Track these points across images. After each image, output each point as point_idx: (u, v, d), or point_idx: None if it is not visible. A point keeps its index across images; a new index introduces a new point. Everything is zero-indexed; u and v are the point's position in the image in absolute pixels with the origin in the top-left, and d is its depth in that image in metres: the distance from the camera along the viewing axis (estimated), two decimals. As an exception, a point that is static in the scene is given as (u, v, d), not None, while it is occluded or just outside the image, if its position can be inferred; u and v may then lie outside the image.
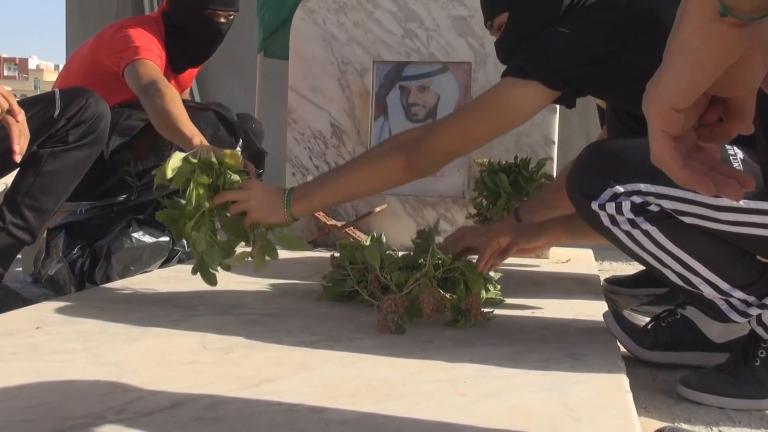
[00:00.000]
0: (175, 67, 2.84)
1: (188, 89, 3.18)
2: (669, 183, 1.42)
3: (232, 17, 2.80)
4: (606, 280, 2.67)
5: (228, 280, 2.11)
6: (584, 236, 1.85)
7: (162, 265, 2.54)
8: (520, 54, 1.71)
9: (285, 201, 1.79)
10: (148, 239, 2.51)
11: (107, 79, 2.61)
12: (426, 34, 2.90)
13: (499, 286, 1.90)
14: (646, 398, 1.56)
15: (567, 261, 2.76)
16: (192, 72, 3.03)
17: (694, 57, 0.67)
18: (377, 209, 2.91)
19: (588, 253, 3.00)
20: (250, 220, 1.79)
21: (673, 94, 0.69)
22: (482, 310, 1.69)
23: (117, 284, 2.14)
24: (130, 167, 2.64)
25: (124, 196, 2.65)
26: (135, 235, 2.49)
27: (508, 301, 1.92)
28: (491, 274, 1.89)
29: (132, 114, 2.66)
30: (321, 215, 2.93)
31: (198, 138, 2.15)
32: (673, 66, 0.69)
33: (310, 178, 2.75)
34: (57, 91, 2.23)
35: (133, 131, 2.61)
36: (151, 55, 2.54)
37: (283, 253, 2.78)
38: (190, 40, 2.78)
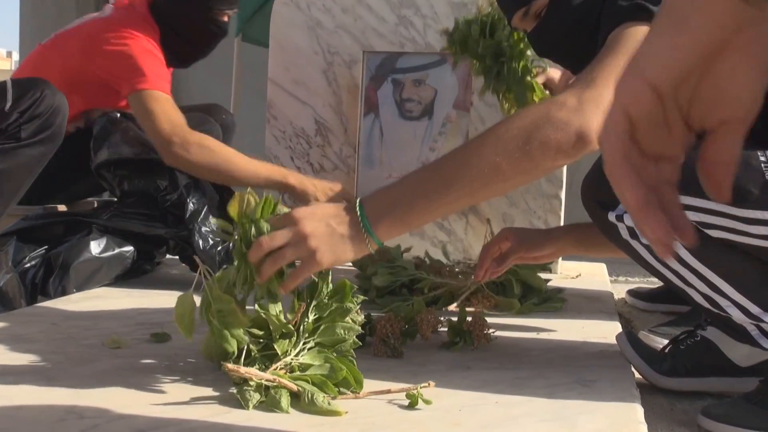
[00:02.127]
0: (170, 65, 2.83)
1: None
2: (694, 192, 1.43)
3: (234, 13, 2.82)
4: (628, 291, 2.70)
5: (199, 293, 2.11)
6: (597, 249, 1.85)
7: (124, 277, 2.54)
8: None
9: (360, 218, 1.34)
10: (110, 249, 2.50)
11: (100, 89, 2.58)
12: (422, 21, 2.91)
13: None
14: (663, 430, 1.57)
15: (577, 276, 2.77)
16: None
17: (681, 20, 0.64)
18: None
19: (601, 268, 3.02)
20: (313, 269, 1.34)
21: (654, 64, 0.65)
22: (485, 331, 1.70)
23: (74, 298, 2.14)
24: (114, 183, 2.63)
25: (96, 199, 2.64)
26: (95, 243, 2.48)
27: (510, 321, 1.93)
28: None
29: (130, 130, 2.61)
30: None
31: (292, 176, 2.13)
32: (658, 33, 0.66)
33: None
34: (9, 80, 2.23)
35: (125, 154, 2.58)
36: (160, 83, 2.50)
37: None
38: (186, 43, 2.76)
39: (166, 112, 2.42)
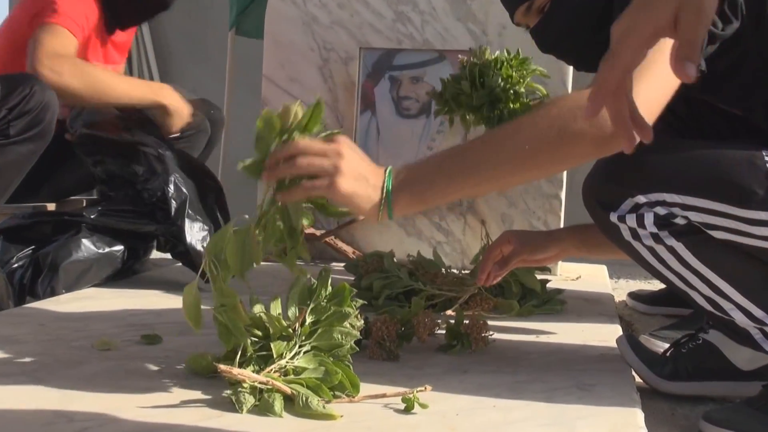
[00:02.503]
0: (109, 27, 2.83)
1: (122, 65, 3.16)
2: (697, 193, 1.43)
3: None
4: (629, 294, 2.70)
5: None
6: (600, 250, 1.86)
7: (115, 277, 2.54)
8: None
9: (385, 183, 1.36)
10: (100, 248, 2.50)
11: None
12: (420, 17, 2.92)
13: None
14: (663, 435, 1.57)
15: (577, 278, 2.77)
16: (126, 43, 3.01)
17: None
18: (361, 217, 2.91)
19: (601, 270, 3.02)
20: (324, 191, 1.31)
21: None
22: (483, 334, 1.70)
23: (63, 298, 2.14)
24: (92, 168, 2.62)
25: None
26: (85, 242, 2.48)
27: (509, 324, 1.93)
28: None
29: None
30: (337, 245, 2.92)
31: (166, 95, 2.06)
32: None
33: None
34: (-3, 75, 2.23)
35: (99, 123, 2.57)
36: (67, 22, 2.47)
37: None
38: (125, 3, 2.76)
39: (54, 44, 2.40)
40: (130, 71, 4.93)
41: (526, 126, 1.34)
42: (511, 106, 2.21)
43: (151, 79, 4.85)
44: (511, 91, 2.21)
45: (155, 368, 1.48)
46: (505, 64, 2.22)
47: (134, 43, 4.93)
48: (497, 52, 2.24)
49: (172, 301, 2.11)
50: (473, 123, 2.31)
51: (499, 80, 2.20)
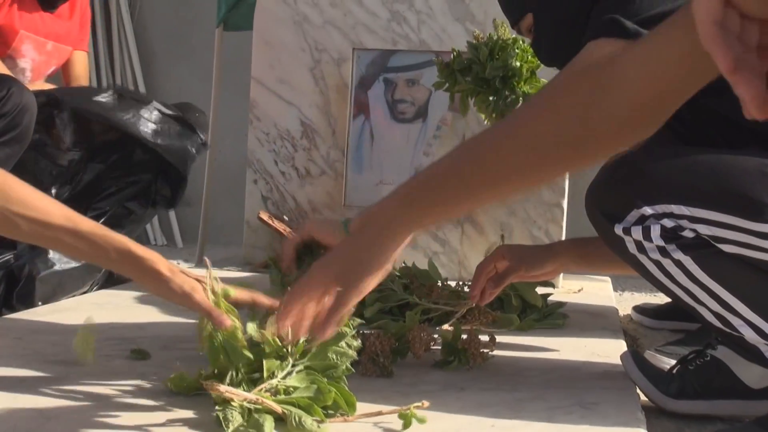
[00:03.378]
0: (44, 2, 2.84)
1: (82, 73, 3.16)
2: (706, 204, 1.44)
3: None
4: (634, 308, 2.71)
5: (174, 308, 2.10)
6: (601, 265, 1.86)
7: (95, 288, 2.54)
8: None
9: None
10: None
11: None
12: (416, 17, 2.92)
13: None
14: (669, 456, 1.57)
15: (580, 291, 2.77)
16: (83, 33, 3.03)
17: None
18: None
19: (605, 282, 3.02)
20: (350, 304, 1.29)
21: None
22: (482, 350, 1.70)
23: (40, 311, 2.14)
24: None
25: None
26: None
27: (507, 339, 1.93)
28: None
29: None
30: (286, 230, 2.93)
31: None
32: None
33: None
34: (-28, 78, 2.23)
35: None
36: None
37: (240, 275, 2.79)
38: None
39: None
40: (112, 72, 4.93)
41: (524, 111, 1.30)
42: (526, 88, 2.20)
43: (134, 79, 4.84)
44: (528, 72, 2.22)
45: (138, 384, 1.47)
46: (522, 47, 2.24)
47: (116, 41, 4.93)
48: (513, 34, 2.24)
49: (155, 314, 2.11)
50: (476, 103, 2.29)
51: (516, 60, 2.21)
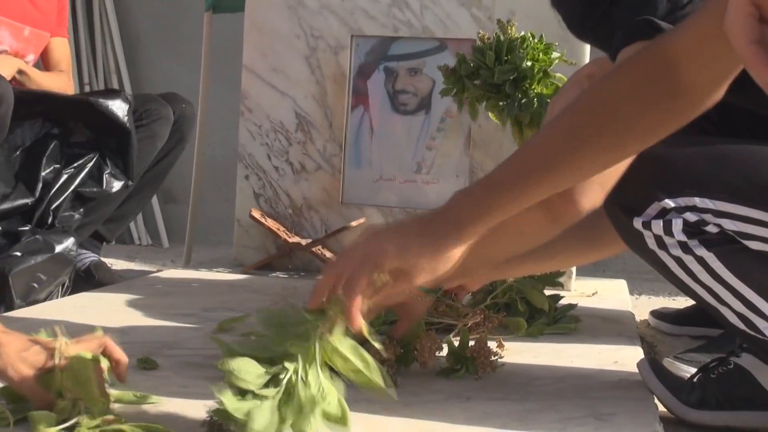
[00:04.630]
0: None
1: (63, 58, 3.15)
2: (732, 197, 1.43)
3: None
4: (652, 312, 2.71)
5: (159, 312, 2.11)
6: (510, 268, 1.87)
7: (80, 289, 2.54)
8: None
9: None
10: (48, 250, 2.49)
11: None
12: (419, 2, 2.92)
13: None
14: (689, 471, 1.57)
15: (593, 294, 2.77)
16: (61, 18, 3.03)
17: None
18: (353, 223, 2.92)
19: (620, 284, 3.02)
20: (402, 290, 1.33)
21: None
22: (491, 359, 1.70)
23: (17, 314, 2.13)
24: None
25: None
26: (27, 242, 2.47)
27: (516, 345, 1.93)
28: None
29: None
30: (281, 230, 2.93)
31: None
32: None
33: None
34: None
35: None
36: None
37: (230, 277, 2.79)
38: None
39: None
40: (93, 61, 4.92)
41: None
42: (539, 89, 2.19)
43: (117, 68, 4.84)
44: (540, 72, 2.21)
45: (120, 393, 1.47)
46: (531, 44, 2.22)
47: (98, 27, 4.92)
48: (522, 32, 2.23)
49: (139, 319, 2.11)
50: (487, 108, 2.29)
51: (526, 60, 2.20)
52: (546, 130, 1.35)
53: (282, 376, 1.21)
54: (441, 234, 1.28)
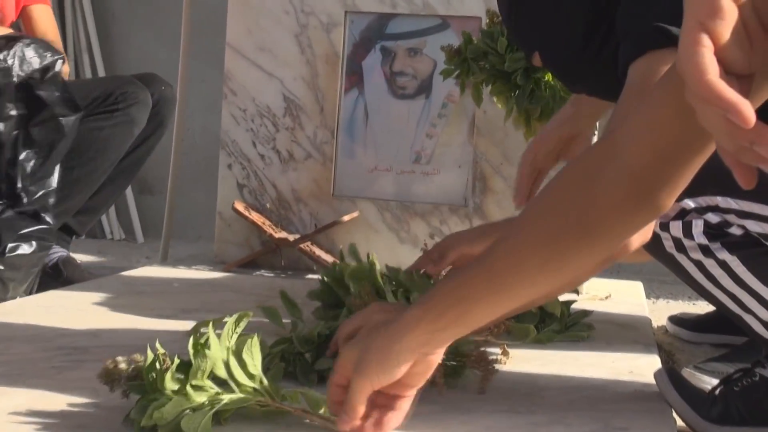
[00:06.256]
0: None
1: (49, 28, 3.15)
2: (758, 197, 1.43)
3: None
4: (670, 318, 2.71)
5: (132, 313, 2.10)
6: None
7: (48, 287, 2.54)
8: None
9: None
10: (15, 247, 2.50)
11: None
12: (420, -24, 2.92)
13: None
14: (710, 491, 1.57)
15: (607, 297, 2.77)
16: None
17: None
18: (346, 218, 2.92)
19: (636, 287, 3.02)
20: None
21: None
22: (489, 366, 1.69)
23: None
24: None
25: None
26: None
27: (522, 352, 1.93)
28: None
29: None
30: (267, 224, 2.93)
31: None
32: None
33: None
34: None
35: None
36: None
37: (210, 276, 2.79)
38: None
39: None
40: (63, 37, 4.91)
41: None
42: (553, 81, 2.19)
43: (89, 46, 4.83)
44: None
45: (91, 401, 1.48)
46: None
47: (68, 1, 4.91)
48: None
49: (111, 319, 2.11)
50: (492, 92, 2.28)
51: None
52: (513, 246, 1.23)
53: None
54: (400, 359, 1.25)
